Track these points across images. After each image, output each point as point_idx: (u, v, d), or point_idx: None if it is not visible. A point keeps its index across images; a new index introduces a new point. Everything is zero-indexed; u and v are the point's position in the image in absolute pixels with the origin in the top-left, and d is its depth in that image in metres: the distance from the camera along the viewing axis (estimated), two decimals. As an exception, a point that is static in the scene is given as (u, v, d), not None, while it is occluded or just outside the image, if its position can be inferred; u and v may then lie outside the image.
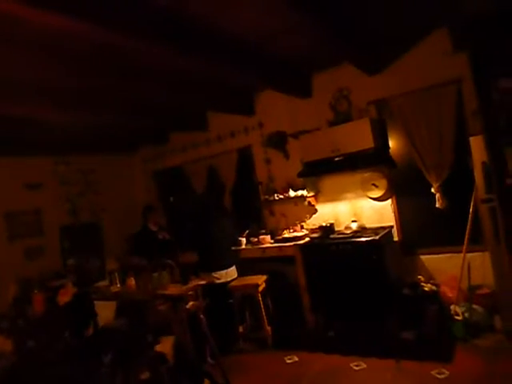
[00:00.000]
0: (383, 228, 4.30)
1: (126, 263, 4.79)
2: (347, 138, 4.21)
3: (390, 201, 4.44)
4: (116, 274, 4.42)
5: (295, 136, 4.87)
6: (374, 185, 4.42)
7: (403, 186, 4.42)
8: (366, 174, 4.45)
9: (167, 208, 6.42)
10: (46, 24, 2.42)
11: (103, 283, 4.48)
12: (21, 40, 2.72)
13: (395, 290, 4.01)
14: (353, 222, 4.49)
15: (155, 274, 4.08)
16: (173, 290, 3.83)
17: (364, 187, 4.49)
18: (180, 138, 6.19)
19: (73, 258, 5.11)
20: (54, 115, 4.17)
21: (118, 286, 4.30)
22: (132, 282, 4.12)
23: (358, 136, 4.15)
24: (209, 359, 4.05)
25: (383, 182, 4.36)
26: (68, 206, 5.50)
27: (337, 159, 4.28)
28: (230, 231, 4.79)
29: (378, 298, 3.96)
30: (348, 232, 4.37)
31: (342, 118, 4.60)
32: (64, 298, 3.28)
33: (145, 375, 3.49)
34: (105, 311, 3.54)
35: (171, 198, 6.36)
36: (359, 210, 4.61)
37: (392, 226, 4.37)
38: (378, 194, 4.41)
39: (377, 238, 3.98)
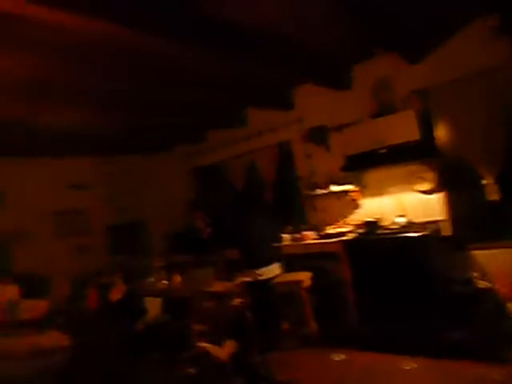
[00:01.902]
0: (431, 222, 4.12)
1: (171, 260, 4.91)
2: (391, 130, 4.08)
3: (438, 194, 4.25)
4: (162, 271, 4.55)
5: (338, 129, 4.77)
6: (420, 178, 4.25)
7: (452, 179, 4.20)
8: (412, 167, 4.28)
9: (207, 206, 6.49)
10: (89, 31, 2.49)
11: (150, 280, 4.61)
12: (64, 48, 2.81)
13: (446, 287, 3.85)
14: (399, 216, 4.34)
15: (200, 271, 4.15)
16: (218, 286, 3.88)
17: (410, 180, 4.33)
18: (219, 135, 6.24)
19: (119, 255, 5.30)
20: (97, 118, 4.32)
21: (164, 282, 4.41)
22: (178, 278, 4.21)
23: (402, 127, 4.02)
24: (254, 354, 4.07)
25: (430, 175, 4.18)
26: (113, 205, 5.69)
27: (381, 152, 4.16)
28: (271, 227, 4.77)
29: (427, 295, 3.81)
30: (395, 227, 4.23)
31: (384, 109, 4.45)
32: (116, 294, 3.39)
33: (191, 370, 3.57)
34: (151, 307, 3.64)
35: (211, 196, 6.43)
36: (405, 204, 4.45)
37: (441, 221, 4.19)
38: (425, 187, 4.24)
39: (426, 233, 3.83)
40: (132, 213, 5.86)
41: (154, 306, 3.61)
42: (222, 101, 4.92)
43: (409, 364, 3.49)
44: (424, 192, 4.29)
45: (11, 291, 3.39)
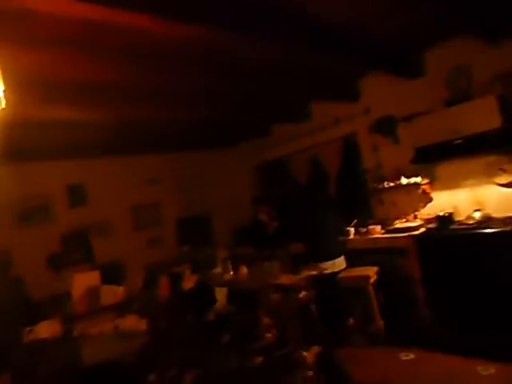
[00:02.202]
0: (513, 217, 3.81)
1: (236, 252, 5.02)
2: (469, 119, 3.82)
3: (520, 187, 3.92)
4: (228, 263, 4.66)
5: (407, 120, 4.56)
6: (501, 169, 3.94)
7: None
8: (492, 158, 3.98)
9: (272, 200, 6.54)
10: (169, 35, 2.60)
11: (216, 270, 4.75)
12: (144, 51, 2.97)
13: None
14: (476, 211, 4.07)
15: (266, 264, 4.20)
16: (284, 279, 3.90)
17: (489, 173, 4.03)
18: (283, 130, 6.25)
19: (187, 246, 5.51)
20: (169, 115, 4.52)
21: (231, 273, 4.52)
22: (244, 270, 4.29)
23: (481, 115, 3.74)
24: (319, 352, 4.05)
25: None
26: (182, 199, 5.94)
27: (456, 142, 3.91)
28: (336, 221, 4.70)
29: (506, 295, 3.55)
30: (471, 222, 3.97)
31: (460, 96, 4.17)
32: (188, 283, 3.54)
33: (258, 360, 3.64)
34: (218, 297, 3.74)
35: (275, 191, 6.46)
36: (483, 198, 4.15)
37: (524, 216, 3.86)
38: (506, 179, 3.93)
39: (508, 229, 3.55)
40: (199, 206, 6.08)
41: (220, 296, 3.71)
42: (288, 95, 4.92)
43: (487, 369, 3.28)
44: (504, 185, 3.98)
45: (94, 278, 3.66)
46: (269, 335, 3.59)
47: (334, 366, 3.15)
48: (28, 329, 2.78)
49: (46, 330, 2.74)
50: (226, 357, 3.43)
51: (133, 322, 2.97)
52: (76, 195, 5.09)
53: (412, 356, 3.77)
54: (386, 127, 4.90)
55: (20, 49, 2.49)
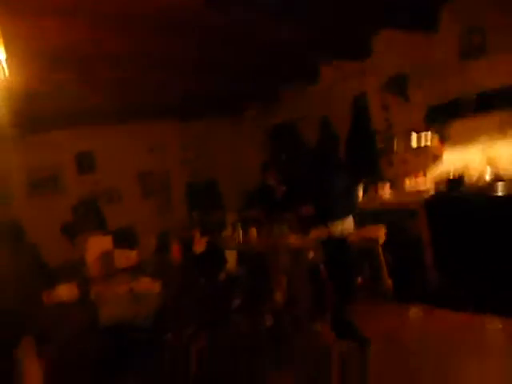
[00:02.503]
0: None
1: (246, 216, 5.06)
2: (484, 74, 3.70)
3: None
4: (238, 226, 4.71)
5: (419, 77, 4.42)
6: (515, 127, 3.84)
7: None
8: (506, 114, 3.87)
9: (281, 164, 6.50)
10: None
11: (226, 234, 4.81)
12: (150, 18, 2.90)
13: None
14: (487, 171, 4.00)
15: (275, 227, 4.24)
16: (293, 241, 3.95)
17: (503, 131, 3.93)
18: (291, 94, 6.11)
19: (196, 212, 5.57)
20: (176, 81, 4.43)
21: (241, 237, 4.58)
22: (254, 233, 4.35)
23: (498, 70, 3.61)
24: (329, 309, 4.16)
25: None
26: (191, 165, 5.94)
27: (470, 99, 3.80)
28: (345, 183, 4.68)
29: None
30: (481, 184, 3.92)
31: (474, 52, 4.02)
32: (199, 247, 3.60)
33: (269, 321, 3.75)
34: (228, 259, 3.81)
35: (283, 155, 6.41)
36: (496, 158, 4.07)
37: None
38: (521, 136, 3.84)
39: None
40: (207, 171, 6.08)
41: (230, 259, 3.77)
42: (296, 56, 4.76)
43: (493, 324, 3.34)
44: (519, 143, 3.89)
45: (106, 242, 3.74)
46: (279, 296, 3.68)
47: (344, 323, 3.23)
48: (46, 293, 2.88)
49: (64, 293, 2.84)
50: (238, 319, 3.55)
51: (147, 285, 3.05)
52: (85, 163, 5.11)
53: (420, 313, 3.85)
54: (397, 86, 4.76)
55: (25, 18, 2.44)
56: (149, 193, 5.55)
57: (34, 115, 4.27)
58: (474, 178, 4.10)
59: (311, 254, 3.94)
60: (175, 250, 3.86)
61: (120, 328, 2.63)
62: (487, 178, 3.95)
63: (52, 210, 4.71)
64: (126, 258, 3.65)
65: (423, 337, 3.44)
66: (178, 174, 5.83)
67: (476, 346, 3.13)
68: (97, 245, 3.69)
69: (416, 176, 4.62)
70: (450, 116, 4.19)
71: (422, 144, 4.55)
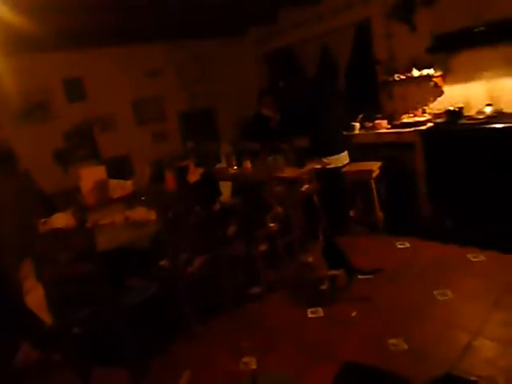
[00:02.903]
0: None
1: (240, 147, 5.01)
2: (493, 2, 3.47)
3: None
4: (233, 157, 4.68)
5: (427, 3, 4.14)
6: (522, 60, 3.70)
7: None
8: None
9: (278, 92, 6.31)
10: None
11: (220, 165, 4.80)
12: None
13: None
14: (487, 105, 3.93)
15: (270, 158, 4.22)
16: (289, 172, 3.95)
17: (508, 66, 3.79)
18: (290, 16, 5.73)
19: (191, 141, 5.49)
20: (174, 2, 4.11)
21: (235, 168, 4.57)
22: (248, 164, 4.33)
23: (509, 2, 3.38)
24: (321, 238, 4.30)
25: (535, 57, 3.62)
26: (185, 92, 5.72)
27: (477, 29, 3.61)
28: (342, 115, 4.60)
29: (508, 190, 3.62)
30: (481, 117, 3.86)
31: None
32: (193, 176, 3.60)
33: (263, 247, 3.88)
34: (223, 190, 3.84)
35: (281, 82, 6.18)
36: (498, 92, 3.97)
37: (539, 111, 3.74)
38: (527, 71, 3.72)
39: (517, 124, 3.47)
40: (203, 99, 5.88)
41: (225, 190, 3.80)
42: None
43: (477, 255, 3.49)
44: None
45: (100, 172, 3.71)
46: (273, 225, 3.77)
47: (336, 253, 3.35)
48: (43, 220, 2.91)
49: (60, 221, 2.87)
50: (233, 244, 3.66)
51: (142, 213, 3.09)
52: (74, 90, 4.90)
53: (408, 245, 4.00)
54: (403, 12, 4.48)
55: None
56: (143, 121, 5.40)
57: (18, 35, 4.00)
58: (475, 112, 4.02)
59: (305, 186, 3.98)
60: (170, 180, 3.85)
61: (117, 252, 2.70)
62: (487, 111, 3.88)
63: (43, 138, 4.59)
64: (120, 187, 3.66)
65: (410, 266, 3.61)
66: (173, 101, 5.63)
67: (459, 274, 3.30)
68: (90, 175, 3.67)
69: (415, 109, 4.53)
70: (455, 47, 4.01)
71: (424, 76, 4.39)
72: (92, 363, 2.47)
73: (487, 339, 2.51)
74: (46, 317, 2.64)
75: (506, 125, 3.53)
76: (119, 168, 4.47)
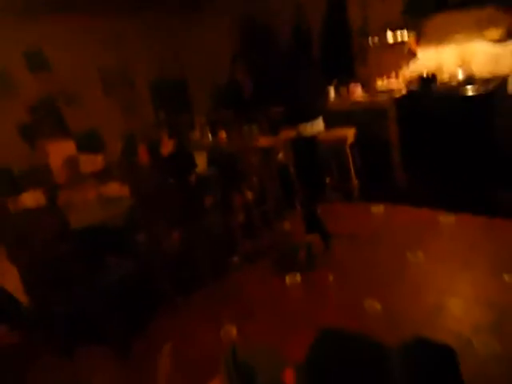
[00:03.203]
0: (497, 78, 3.74)
1: (214, 117, 4.92)
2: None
3: (509, 43, 3.74)
4: (207, 127, 4.60)
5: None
6: (493, 24, 3.70)
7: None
8: (487, 11, 3.69)
9: (250, 59, 6.14)
10: None
11: (194, 136, 4.71)
12: None
13: (502, 147, 3.70)
14: (460, 70, 3.95)
15: (245, 127, 4.17)
16: (263, 141, 3.93)
17: (480, 28, 3.79)
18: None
19: (163, 112, 5.33)
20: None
21: (210, 138, 4.50)
22: (223, 134, 4.27)
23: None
24: (297, 207, 4.35)
25: (506, 21, 3.62)
26: (156, 61, 5.47)
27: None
28: (316, 81, 4.53)
29: (479, 156, 3.71)
30: (453, 83, 3.89)
31: None
32: (166, 149, 3.52)
33: (240, 217, 3.91)
34: (198, 161, 3.79)
35: (254, 48, 6.00)
36: (469, 55, 3.99)
37: (508, 76, 3.78)
38: (497, 34, 3.73)
39: (488, 89, 3.52)
40: (174, 68, 5.65)
41: (200, 161, 3.75)
42: None
43: (448, 218, 3.62)
44: (493, 41, 3.79)
45: (69, 147, 3.59)
46: (249, 195, 3.78)
47: (312, 219, 3.40)
48: (12, 199, 2.81)
49: (30, 199, 2.78)
50: (210, 215, 3.66)
51: (116, 189, 3.03)
52: (36, 61, 4.60)
53: (382, 210, 4.10)
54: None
55: None
56: (111, 92, 5.16)
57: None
58: (447, 78, 4.05)
59: (280, 155, 3.97)
60: (142, 153, 3.77)
61: (92, 230, 2.65)
62: (460, 77, 3.91)
63: (5, 112, 4.34)
64: (91, 162, 3.55)
65: (383, 230, 3.71)
66: (142, 70, 5.39)
67: (430, 236, 3.43)
68: (59, 150, 3.55)
69: (389, 76, 4.52)
70: (429, 9, 3.97)
71: (398, 41, 4.36)
72: (74, 342, 2.47)
73: (455, 297, 2.64)
74: (23, 298, 2.61)
75: (477, 90, 3.58)
76: (89, 142, 4.31)
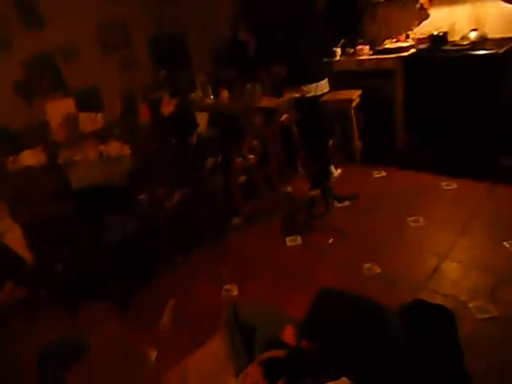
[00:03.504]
0: (510, 40, 3.58)
1: (216, 75, 4.78)
2: None
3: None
4: (208, 87, 4.48)
5: None
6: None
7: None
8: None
9: (254, 15, 5.89)
10: None
11: (196, 95, 4.60)
12: None
13: (507, 113, 3.61)
14: (472, 30, 3.79)
15: (248, 87, 4.06)
16: (267, 102, 3.84)
17: (496, -15, 3.61)
18: None
19: (163, 70, 5.17)
20: None
21: (212, 98, 4.40)
22: (225, 94, 4.17)
23: None
24: (300, 168, 4.32)
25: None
26: (154, 15, 5.23)
27: None
28: (322, 40, 4.36)
29: (484, 120, 3.63)
30: (464, 43, 3.74)
31: None
32: (168, 108, 3.45)
33: (242, 179, 3.90)
34: (199, 121, 3.72)
35: (257, 4, 5.74)
36: (483, 16, 3.80)
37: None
38: (513, -7, 3.55)
39: (500, 51, 3.38)
40: (174, 24, 5.41)
41: (201, 121, 3.69)
42: None
43: (450, 184, 3.61)
44: (509, 1, 3.61)
45: (67, 105, 3.50)
46: (251, 156, 3.75)
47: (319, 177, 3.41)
48: (11, 158, 2.79)
49: (30, 158, 2.75)
50: (211, 177, 3.65)
51: (116, 148, 2.99)
52: (30, 15, 4.40)
53: (384, 174, 4.09)
54: None
55: None
56: (110, 48, 4.97)
57: None
58: (459, 38, 3.89)
59: (284, 116, 3.89)
60: (143, 112, 3.69)
61: (93, 190, 2.65)
62: (472, 37, 3.76)
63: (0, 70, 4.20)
64: (91, 121, 3.48)
65: (384, 194, 3.71)
66: (140, 25, 5.17)
67: (431, 201, 3.43)
68: (58, 108, 3.46)
69: (398, 34, 4.34)
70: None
71: (410, -4, 4.16)
72: (78, 298, 2.53)
73: (453, 262, 2.68)
74: (26, 254, 2.65)
75: (489, 51, 3.45)
76: (88, 100, 4.21)
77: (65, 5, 4.46)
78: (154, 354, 2.25)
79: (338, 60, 4.61)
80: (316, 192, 3.47)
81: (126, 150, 3.02)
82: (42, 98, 3.87)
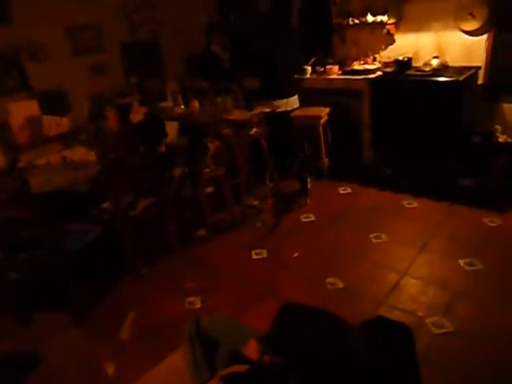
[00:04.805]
0: (469, 68, 3.82)
1: (188, 85, 4.77)
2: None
3: (485, 36, 3.81)
4: (179, 96, 4.46)
5: None
6: (470, 14, 3.75)
7: (508, 19, 3.69)
8: (464, 0, 3.74)
9: (228, 28, 5.96)
10: None
11: (166, 104, 4.56)
12: None
13: (465, 136, 3.83)
14: (434, 58, 4.00)
15: (219, 99, 4.07)
16: (237, 115, 3.86)
17: (457, 16, 3.83)
18: None
19: (134, 76, 5.11)
20: None
21: (182, 107, 4.38)
22: (196, 104, 4.15)
23: None
24: (268, 182, 4.36)
25: (483, 12, 3.67)
26: (126, 21, 5.18)
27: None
28: (294, 57, 4.48)
29: (444, 142, 3.82)
30: (427, 69, 3.94)
31: None
32: (137, 116, 3.40)
33: (209, 189, 3.88)
34: (169, 130, 3.69)
35: (232, 17, 5.81)
36: (445, 44, 4.04)
37: (479, 67, 3.86)
38: (473, 26, 3.78)
39: (459, 79, 3.60)
40: (147, 31, 5.39)
41: (171, 130, 3.66)
42: None
43: (411, 202, 3.75)
44: (469, 32, 3.85)
45: (32, 107, 3.37)
46: (220, 167, 3.74)
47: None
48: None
49: (-12, 160, 2.62)
50: (179, 186, 3.61)
51: (81, 154, 2.91)
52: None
53: (349, 190, 4.19)
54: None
55: None
56: (80, 51, 4.86)
57: None
58: (422, 64, 4.09)
59: (254, 129, 3.93)
60: (111, 118, 3.61)
61: (54, 196, 2.56)
62: (433, 64, 3.96)
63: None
64: (56, 124, 3.37)
65: (349, 211, 3.81)
66: (112, 31, 5.11)
67: (393, 219, 3.55)
68: (21, 110, 3.33)
69: (366, 57, 4.52)
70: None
71: (378, 22, 4.34)
72: (32, 308, 2.41)
73: (412, 278, 2.78)
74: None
75: (449, 79, 3.65)
76: (54, 103, 4.08)
77: (38, 3, 4.35)
78: (111, 368, 2.18)
79: (308, 78, 4.72)
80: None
81: (91, 156, 2.94)
82: (5, 99, 3.72)
